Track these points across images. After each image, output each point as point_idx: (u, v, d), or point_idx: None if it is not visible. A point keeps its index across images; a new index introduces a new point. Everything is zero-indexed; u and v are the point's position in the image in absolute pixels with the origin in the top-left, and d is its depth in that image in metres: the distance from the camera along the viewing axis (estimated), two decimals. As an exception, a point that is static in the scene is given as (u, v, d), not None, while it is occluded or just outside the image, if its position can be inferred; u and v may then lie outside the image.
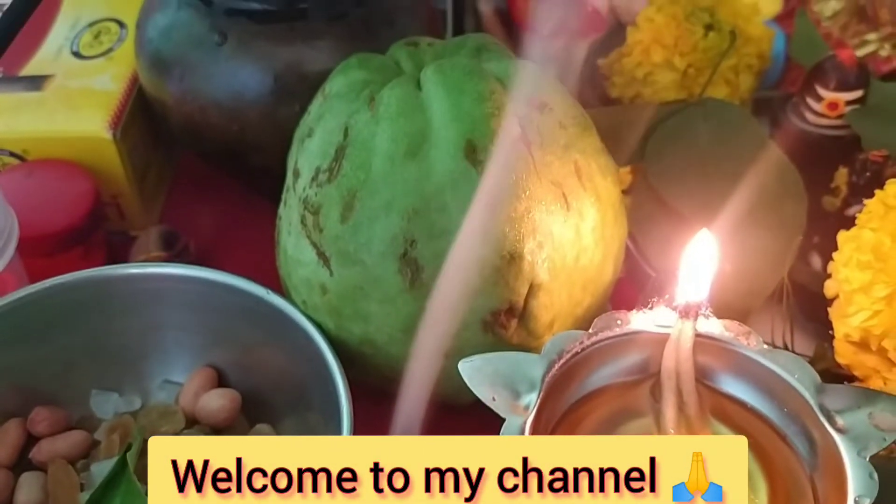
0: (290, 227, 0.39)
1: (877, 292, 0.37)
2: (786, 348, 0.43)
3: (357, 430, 0.34)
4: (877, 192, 0.40)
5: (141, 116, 0.52)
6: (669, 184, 0.46)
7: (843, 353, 0.39)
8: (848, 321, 0.38)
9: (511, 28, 0.60)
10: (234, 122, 0.47)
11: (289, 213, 0.39)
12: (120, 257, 0.50)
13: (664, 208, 0.46)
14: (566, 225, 0.36)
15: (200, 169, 0.53)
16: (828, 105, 0.49)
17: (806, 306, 0.46)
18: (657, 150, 0.48)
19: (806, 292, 0.45)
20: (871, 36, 0.65)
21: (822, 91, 0.49)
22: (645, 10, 0.56)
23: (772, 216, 0.45)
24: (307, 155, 0.38)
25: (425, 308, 0.35)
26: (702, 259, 0.34)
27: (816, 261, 0.45)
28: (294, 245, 0.38)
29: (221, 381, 0.43)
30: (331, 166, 0.36)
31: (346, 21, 0.46)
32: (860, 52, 0.65)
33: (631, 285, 0.49)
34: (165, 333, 0.42)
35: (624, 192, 0.50)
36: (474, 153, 0.35)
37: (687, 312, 0.34)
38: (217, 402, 0.41)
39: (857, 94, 0.49)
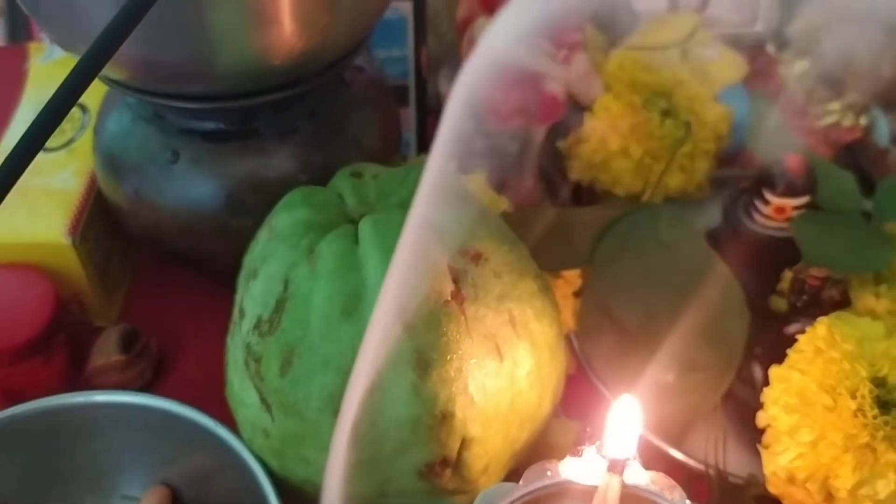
0: (235, 364, 0.40)
1: (802, 437, 0.38)
2: (717, 466, 0.44)
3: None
4: (808, 331, 0.41)
5: (101, 212, 0.52)
6: (615, 294, 0.47)
7: (774, 484, 0.40)
8: (775, 459, 0.39)
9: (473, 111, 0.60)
10: (189, 236, 0.47)
11: (235, 349, 0.40)
12: (82, 354, 0.51)
13: (610, 318, 0.47)
14: (500, 375, 0.37)
15: (162, 261, 0.54)
16: (775, 209, 0.50)
17: (746, 416, 0.47)
18: (606, 256, 0.49)
19: (745, 405, 0.46)
20: (834, 105, 0.66)
21: (769, 196, 0.50)
22: (601, 97, 0.57)
23: (714, 332, 0.46)
24: (251, 298, 0.39)
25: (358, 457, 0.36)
26: (627, 418, 0.36)
27: (758, 372, 0.46)
28: (239, 384, 0.39)
29: (176, 499, 0.44)
30: (271, 318, 0.37)
31: (298, 135, 0.47)
32: (823, 122, 0.65)
33: (581, 381, 0.50)
34: (121, 454, 0.43)
35: (575, 294, 0.51)
36: (406, 317, 0.35)
37: (614, 467, 0.36)
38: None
39: (804, 199, 0.49)
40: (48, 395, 0.49)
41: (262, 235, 0.41)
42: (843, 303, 0.45)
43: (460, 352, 0.36)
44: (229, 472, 0.41)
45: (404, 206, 0.39)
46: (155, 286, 0.57)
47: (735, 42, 0.76)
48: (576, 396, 0.48)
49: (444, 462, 0.37)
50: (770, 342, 0.46)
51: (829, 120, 0.65)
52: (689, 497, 0.38)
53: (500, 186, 0.62)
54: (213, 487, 0.43)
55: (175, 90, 0.42)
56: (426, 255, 0.37)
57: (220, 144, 0.46)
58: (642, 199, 0.57)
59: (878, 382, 0.38)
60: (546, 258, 0.51)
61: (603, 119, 0.56)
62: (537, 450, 0.42)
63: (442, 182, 0.30)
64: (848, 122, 0.65)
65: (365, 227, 0.37)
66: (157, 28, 0.35)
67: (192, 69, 0.40)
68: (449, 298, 0.36)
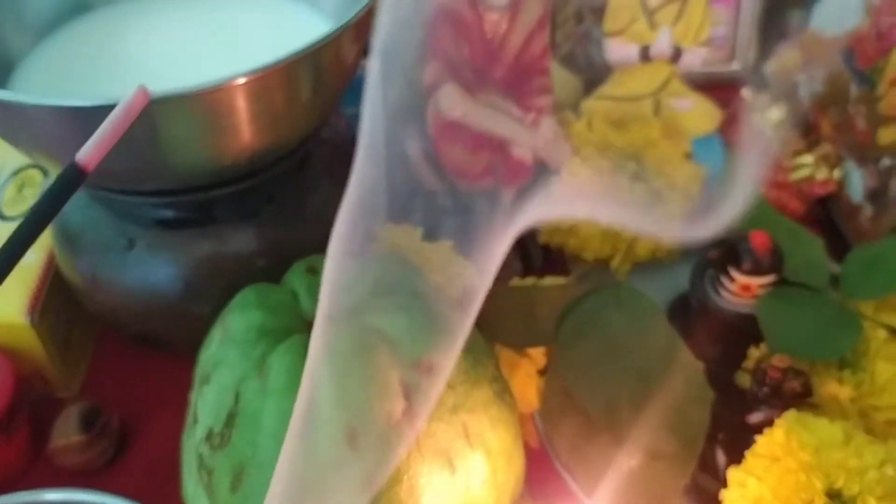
0: (189, 468, 0.39)
1: (758, 545, 0.38)
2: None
3: None
4: (766, 432, 0.40)
5: (61, 287, 0.52)
6: (578, 377, 0.47)
7: (733, 583, 0.40)
8: (733, 563, 0.39)
9: (439, 170, 0.59)
10: (147, 320, 0.47)
11: (189, 453, 0.40)
12: (46, 428, 0.51)
13: (572, 401, 0.47)
14: (453, 487, 0.37)
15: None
16: (740, 287, 0.50)
17: None
18: (569, 336, 0.48)
19: (709, 493, 0.46)
20: (807, 159, 0.65)
21: (734, 273, 0.49)
22: (570, 162, 0.56)
23: (676, 419, 0.46)
24: (204, 405, 0.39)
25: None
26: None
27: (721, 458, 0.46)
28: (193, 490, 0.39)
29: None
30: (222, 431, 0.37)
31: (256, 219, 0.46)
32: (796, 176, 0.65)
33: (546, 459, 0.50)
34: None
35: (539, 372, 0.50)
36: (355, 439, 0.35)
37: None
38: None
39: (770, 278, 0.49)
40: (11, 473, 0.49)
41: (217, 334, 0.41)
42: (805, 393, 0.44)
43: (411, 471, 0.36)
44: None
45: (358, 310, 0.38)
46: (117, 356, 0.56)
47: (711, 80, 0.76)
48: (540, 475, 0.48)
49: (397, 578, 0.37)
50: (733, 428, 0.46)
51: (803, 173, 0.65)
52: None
53: (467, 247, 0.61)
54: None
55: (129, 188, 0.42)
56: (376, 371, 0.36)
57: (177, 231, 0.45)
58: (611, 263, 0.57)
59: (833, 494, 0.38)
60: (510, 335, 0.51)
61: (571, 184, 0.55)
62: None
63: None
64: (822, 175, 0.65)
65: (315, 343, 0.37)
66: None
67: (146, 174, 0.40)
68: (399, 418, 0.36)
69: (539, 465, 0.48)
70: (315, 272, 0.42)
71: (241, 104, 0.39)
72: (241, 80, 0.37)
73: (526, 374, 0.51)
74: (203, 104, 0.37)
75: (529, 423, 0.51)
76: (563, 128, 0.59)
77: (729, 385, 0.50)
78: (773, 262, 0.49)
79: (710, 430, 0.47)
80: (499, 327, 0.51)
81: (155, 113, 0.35)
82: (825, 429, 0.40)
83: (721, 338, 0.52)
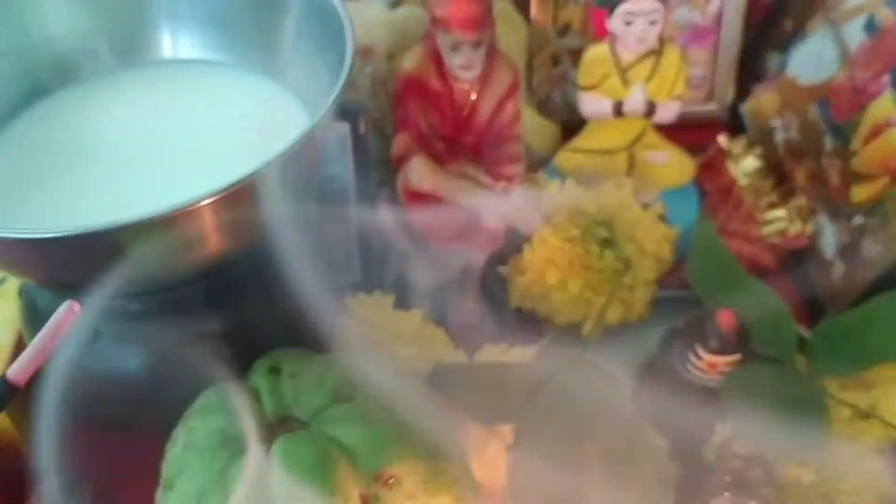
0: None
1: None
2: None
3: None
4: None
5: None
6: (543, 461, 0.47)
7: None
8: None
9: (411, 233, 0.60)
10: (115, 407, 0.47)
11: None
12: (19, 499, 0.51)
13: (538, 482, 0.47)
14: None
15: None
16: (707, 364, 0.50)
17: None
18: (536, 416, 0.49)
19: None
20: (780, 213, 0.65)
21: (700, 351, 0.50)
22: (540, 230, 0.56)
23: (641, 501, 0.46)
24: (166, 514, 0.39)
25: None
26: None
27: (686, 537, 0.47)
28: None
29: None
30: (184, 547, 0.37)
31: (224, 309, 0.46)
32: (768, 230, 0.65)
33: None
34: None
35: (507, 448, 0.51)
36: (314, 559, 0.35)
37: None
38: None
39: (736, 357, 0.49)
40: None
41: (181, 436, 0.41)
42: (767, 482, 0.45)
43: (370, 588, 0.36)
44: None
45: (319, 415, 0.39)
46: (91, 428, 0.56)
47: (689, 121, 0.76)
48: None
49: None
50: (698, 508, 0.46)
51: (775, 228, 0.65)
52: None
53: (440, 306, 0.62)
54: None
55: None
56: (335, 487, 0.36)
57: (144, 322, 0.45)
58: (582, 328, 0.57)
59: None
60: (479, 411, 0.51)
61: (541, 252, 0.56)
62: None
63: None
64: (795, 229, 0.65)
65: (276, 458, 0.37)
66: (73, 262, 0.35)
67: (104, 287, 0.40)
68: (359, 534, 0.36)
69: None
70: (278, 372, 0.42)
71: (208, 220, 0.39)
72: (208, 201, 0.37)
73: (495, 451, 0.51)
74: (167, 225, 0.37)
75: (498, 497, 0.52)
76: (535, 191, 0.59)
77: (696, 457, 0.51)
78: (739, 341, 0.49)
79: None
80: (469, 403, 0.51)
81: (119, 236, 0.35)
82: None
83: (689, 410, 0.52)
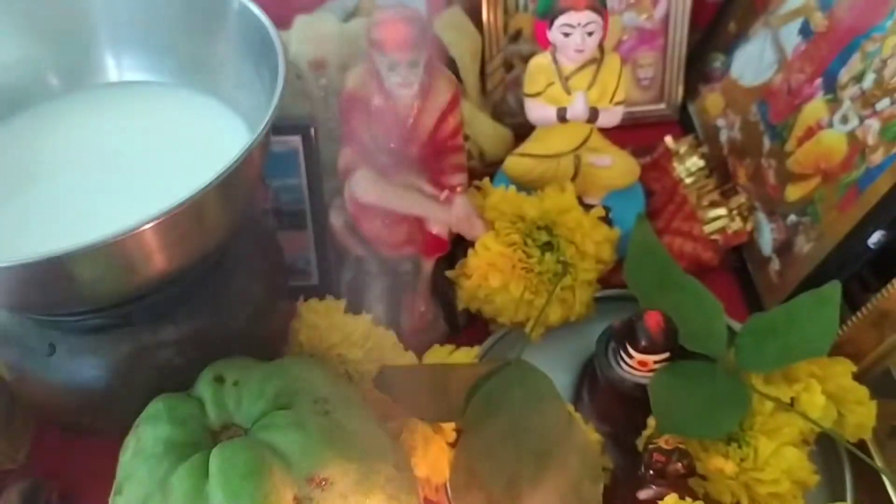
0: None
1: None
2: None
3: None
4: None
5: None
6: (481, 455, 0.50)
7: None
8: None
9: (362, 240, 0.62)
10: (75, 414, 0.50)
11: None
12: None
13: (477, 478, 0.50)
14: (348, 590, 0.40)
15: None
16: (638, 362, 0.53)
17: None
18: (474, 415, 0.51)
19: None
20: (721, 211, 0.68)
21: (631, 350, 0.52)
22: (483, 237, 0.59)
23: (570, 495, 0.49)
24: (116, 517, 0.42)
25: None
26: None
27: (616, 525, 0.50)
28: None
29: None
30: (131, 547, 0.40)
31: (174, 321, 0.49)
32: (710, 228, 0.68)
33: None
34: None
35: (450, 445, 0.54)
36: (249, 559, 0.38)
37: None
38: None
39: (664, 356, 0.52)
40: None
41: (132, 443, 0.43)
42: (688, 474, 0.47)
43: (305, 584, 0.39)
44: None
45: (258, 423, 0.41)
46: (58, 431, 0.59)
47: (639, 121, 0.78)
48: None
49: None
50: (626, 501, 0.49)
51: (716, 225, 0.68)
52: None
53: (394, 307, 0.64)
54: None
55: (46, 313, 0.44)
56: (269, 491, 0.39)
57: (96, 336, 0.48)
58: (525, 328, 0.60)
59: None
60: (424, 410, 0.54)
61: (484, 257, 0.58)
62: None
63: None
64: (735, 226, 0.68)
65: (213, 464, 0.40)
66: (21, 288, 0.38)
67: (63, 306, 0.42)
68: (292, 534, 0.39)
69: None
70: (221, 381, 0.44)
71: (152, 242, 0.41)
72: (149, 225, 0.39)
73: (438, 448, 0.54)
74: (113, 250, 0.39)
75: (442, 492, 0.54)
76: (481, 200, 0.61)
77: (631, 450, 0.54)
78: (667, 341, 0.52)
79: (608, 499, 0.51)
80: (413, 403, 0.54)
81: (66, 263, 0.38)
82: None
83: (623, 405, 0.55)
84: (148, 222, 0.37)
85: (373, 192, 0.56)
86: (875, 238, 0.56)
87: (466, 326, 0.65)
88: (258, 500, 0.39)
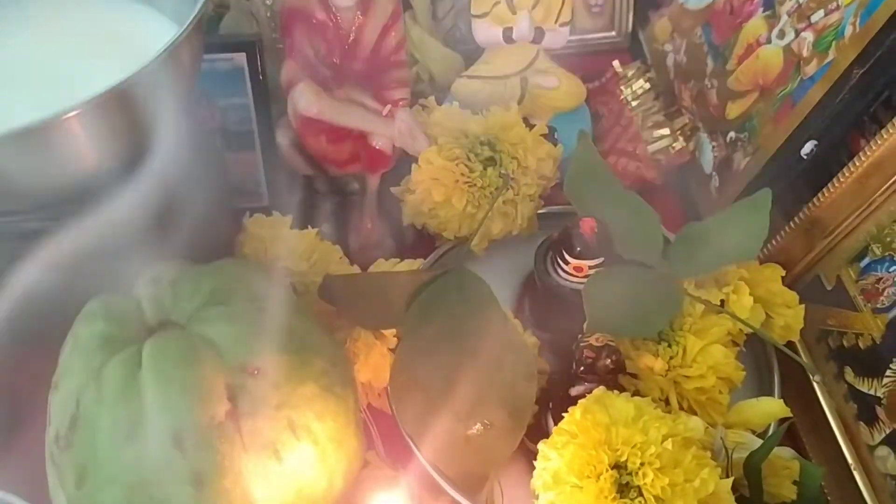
0: (49, 464, 0.44)
1: (556, 511, 0.43)
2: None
3: None
4: (570, 410, 0.45)
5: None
6: (420, 357, 0.51)
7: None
8: (540, 528, 0.44)
9: (309, 158, 0.63)
10: (15, 322, 0.50)
11: (49, 454, 0.44)
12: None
13: (416, 380, 0.51)
14: (282, 475, 0.42)
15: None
16: (574, 268, 0.54)
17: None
18: (414, 319, 0.52)
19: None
20: (664, 131, 0.69)
21: (567, 256, 0.54)
22: (426, 151, 0.59)
23: (506, 393, 0.50)
24: (54, 409, 0.43)
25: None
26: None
27: (550, 425, 0.51)
28: (52, 483, 0.43)
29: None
30: (67, 435, 0.41)
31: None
32: (653, 148, 0.69)
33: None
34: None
35: (391, 351, 0.55)
36: (181, 442, 0.39)
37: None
38: None
39: (599, 261, 0.53)
40: None
41: (69, 342, 0.44)
42: (617, 369, 0.49)
43: (236, 465, 0.40)
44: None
45: (193, 317, 0.42)
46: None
47: (589, 49, 0.79)
48: (393, 439, 0.53)
49: (232, 556, 0.42)
50: (560, 399, 0.51)
51: (659, 145, 0.69)
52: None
53: (343, 226, 0.65)
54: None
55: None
56: (200, 378, 0.40)
57: (36, 241, 0.48)
58: (469, 243, 0.61)
59: (620, 466, 0.42)
60: (366, 318, 0.55)
61: (427, 172, 0.59)
62: None
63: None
64: (678, 146, 0.69)
65: (146, 354, 0.41)
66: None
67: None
68: (223, 419, 0.40)
69: (393, 431, 0.53)
70: (159, 281, 0.45)
71: (79, 133, 0.41)
72: (73, 113, 0.40)
73: (380, 354, 0.55)
74: (38, 137, 0.39)
75: (385, 396, 0.56)
76: (424, 113, 0.62)
77: (567, 355, 0.55)
78: (601, 246, 0.53)
79: (544, 399, 0.52)
80: (356, 310, 0.55)
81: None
82: (619, 407, 0.44)
83: (560, 311, 0.56)
84: (72, 110, 0.38)
85: (315, 104, 0.57)
86: (807, 148, 0.57)
87: (413, 244, 0.66)
88: (189, 386, 0.40)
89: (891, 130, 0.51)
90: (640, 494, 0.42)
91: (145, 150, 0.47)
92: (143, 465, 0.40)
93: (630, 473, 0.42)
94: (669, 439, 0.43)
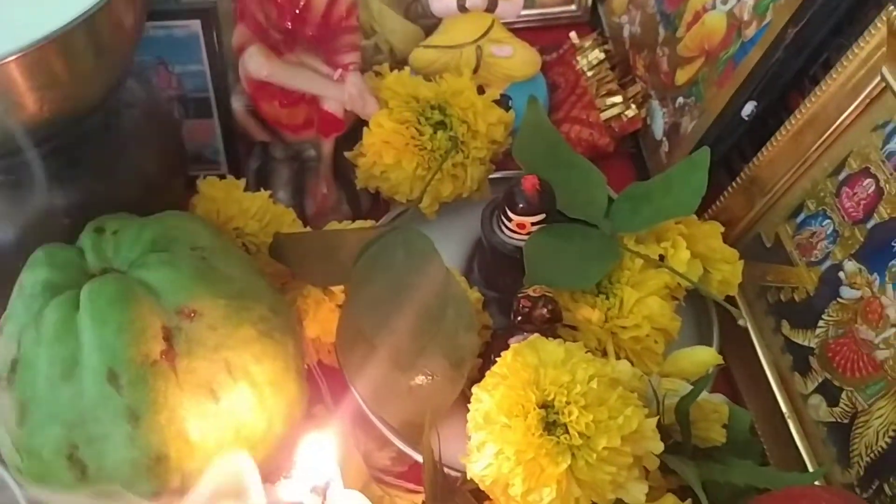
0: (-5, 407, 0.45)
1: (486, 450, 0.44)
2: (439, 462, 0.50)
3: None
4: (502, 354, 0.46)
5: None
6: (364, 312, 0.53)
7: (480, 483, 0.47)
8: (471, 467, 0.45)
9: (263, 124, 0.64)
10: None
11: (-6, 393, 0.45)
12: None
13: (361, 334, 0.53)
14: (218, 415, 0.43)
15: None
16: (517, 225, 0.55)
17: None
18: (360, 275, 0.54)
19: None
20: (617, 99, 0.70)
21: (510, 213, 0.55)
22: (376, 115, 0.61)
23: (447, 345, 0.52)
24: (-1, 352, 0.44)
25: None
26: (322, 451, 0.41)
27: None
28: (-2, 426, 0.45)
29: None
30: (9, 376, 0.43)
31: (61, 183, 0.50)
32: (605, 115, 0.70)
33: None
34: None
35: (339, 306, 0.56)
36: (116, 379, 0.41)
37: (316, 491, 0.42)
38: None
39: (540, 217, 0.55)
40: None
41: (15, 291, 0.46)
42: (553, 318, 0.50)
43: (171, 403, 0.41)
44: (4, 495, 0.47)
45: (133, 264, 0.43)
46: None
47: (552, 21, 0.80)
48: (341, 393, 0.54)
49: (171, 492, 0.43)
50: (500, 350, 0.52)
51: (612, 112, 0.70)
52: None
53: (299, 192, 0.67)
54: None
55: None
56: (135, 318, 0.41)
57: (-14, 195, 0.49)
58: (420, 205, 0.62)
59: (547, 405, 0.44)
60: (315, 275, 0.56)
61: (378, 135, 0.60)
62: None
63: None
64: (630, 113, 0.70)
65: (83, 295, 0.42)
66: None
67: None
68: (158, 358, 0.41)
69: (341, 383, 0.54)
70: (102, 231, 0.46)
71: (17, 78, 0.42)
72: (12, 58, 0.41)
73: (329, 310, 0.56)
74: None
75: (334, 352, 0.57)
76: (377, 79, 0.63)
77: (506, 306, 0.56)
78: (543, 202, 0.54)
79: (490, 349, 0.54)
80: (305, 268, 0.57)
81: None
82: (549, 350, 0.46)
83: (505, 269, 0.57)
84: (11, 55, 0.39)
85: (266, 67, 0.58)
86: (747, 109, 0.59)
87: (369, 210, 0.67)
88: (125, 325, 0.41)
89: (823, 88, 0.53)
90: (566, 431, 0.43)
91: (89, 100, 0.49)
92: (80, 402, 0.41)
93: (557, 412, 0.44)
94: (595, 379, 0.44)
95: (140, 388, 0.41)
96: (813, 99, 0.53)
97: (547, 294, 0.50)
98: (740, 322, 0.52)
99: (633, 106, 0.70)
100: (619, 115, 0.70)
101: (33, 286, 0.44)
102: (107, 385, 0.41)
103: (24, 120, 0.44)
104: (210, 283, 0.44)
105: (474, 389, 0.47)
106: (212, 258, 0.46)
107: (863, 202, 0.50)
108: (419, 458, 0.52)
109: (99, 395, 0.41)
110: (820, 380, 0.52)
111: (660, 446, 0.44)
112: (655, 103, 0.70)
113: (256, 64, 0.58)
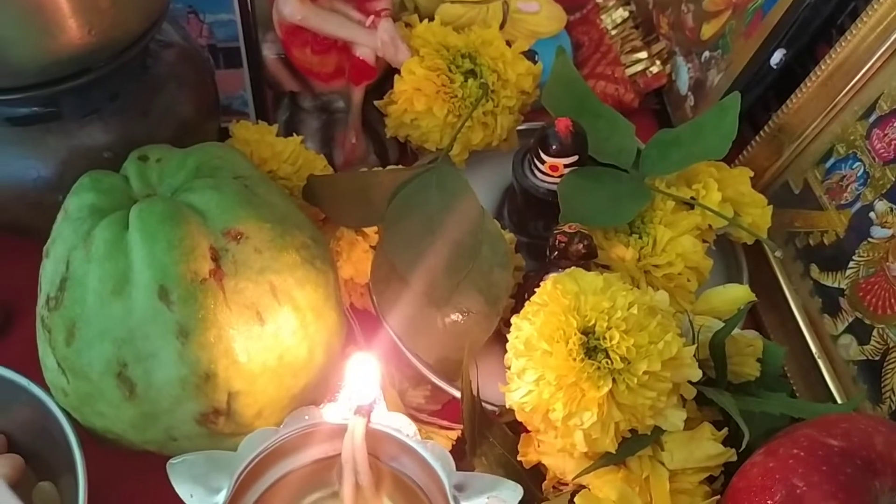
0: (38, 332, 0.45)
1: (527, 377, 0.45)
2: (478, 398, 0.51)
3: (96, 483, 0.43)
4: (541, 284, 0.47)
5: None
6: (399, 250, 0.53)
7: (518, 412, 0.47)
8: (511, 395, 0.46)
9: (295, 72, 0.64)
10: (5, 213, 0.52)
11: (40, 318, 0.45)
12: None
13: (396, 272, 0.53)
14: (263, 338, 0.43)
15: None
16: (549, 167, 0.56)
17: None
18: (394, 215, 0.54)
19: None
20: (642, 55, 0.71)
21: (543, 156, 0.55)
22: (408, 61, 0.61)
23: (482, 281, 0.52)
24: (45, 276, 0.44)
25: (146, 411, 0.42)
26: (366, 372, 0.42)
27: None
28: (42, 350, 0.45)
29: (10, 442, 0.50)
30: (57, 296, 0.43)
31: (100, 116, 0.51)
32: (630, 71, 0.71)
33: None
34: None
35: (373, 248, 0.57)
36: (167, 295, 0.41)
37: (360, 411, 0.42)
38: (2, 469, 0.48)
39: (573, 159, 0.55)
40: None
41: (59, 216, 0.46)
42: (589, 254, 0.51)
43: (220, 321, 0.42)
44: (46, 421, 0.47)
45: (178, 190, 0.44)
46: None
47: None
48: (374, 333, 0.54)
49: (216, 412, 0.43)
50: (534, 288, 0.52)
51: (637, 69, 0.71)
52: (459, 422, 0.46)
53: (328, 143, 0.67)
54: (37, 433, 0.49)
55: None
56: (184, 237, 0.42)
57: (26, 128, 0.50)
58: (450, 153, 0.62)
59: (588, 331, 0.44)
60: (348, 217, 0.57)
61: (409, 82, 0.61)
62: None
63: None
64: (655, 69, 0.71)
65: (133, 215, 0.42)
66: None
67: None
68: (207, 276, 0.42)
69: (374, 326, 0.55)
70: (146, 159, 0.47)
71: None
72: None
73: (362, 251, 0.57)
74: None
75: (367, 295, 0.57)
76: (407, 30, 0.64)
77: (544, 255, 0.57)
78: (576, 144, 0.55)
79: (523, 289, 0.54)
80: (338, 209, 0.57)
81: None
82: (588, 279, 0.46)
83: (538, 212, 0.58)
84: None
85: (300, 11, 0.58)
86: (776, 57, 0.59)
87: (397, 160, 0.68)
88: (175, 243, 0.41)
89: (854, 32, 0.53)
90: (607, 356, 0.43)
91: (130, 30, 0.49)
92: (130, 319, 0.41)
93: (598, 338, 0.44)
94: (636, 306, 0.44)
95: (190, 305, 0.41)
96: (843, 44, 0.54)
97: (582, 230, 0.51)
98: (777, 254, 0.53)
99: (658, 62, 0.71)
100: (643, 71, 0.71)
101: (80, 210, 0.44)
102: (158, 301, 0.41)
103: (68, 45, 0.44)
104: (255, 207, 0.45)
105: (513, 319, 0.47)
106: (254, 186, 0.47)
107: (893, 142, 0.51)
108: (455, 394, 0.52)
109: (149, 312, 0.41)
110: (850, 320, 0.53)
111: (698, 373, 0.45)
112: (680, 59, 0.70)
113: (291, 8, 0.59)
